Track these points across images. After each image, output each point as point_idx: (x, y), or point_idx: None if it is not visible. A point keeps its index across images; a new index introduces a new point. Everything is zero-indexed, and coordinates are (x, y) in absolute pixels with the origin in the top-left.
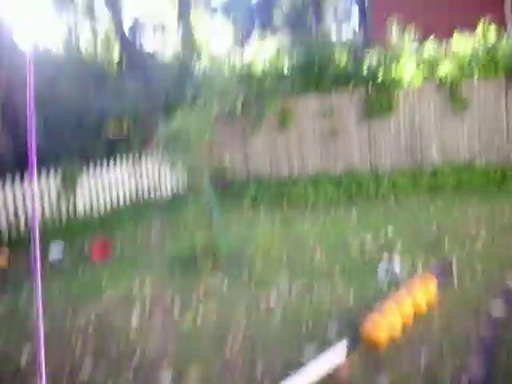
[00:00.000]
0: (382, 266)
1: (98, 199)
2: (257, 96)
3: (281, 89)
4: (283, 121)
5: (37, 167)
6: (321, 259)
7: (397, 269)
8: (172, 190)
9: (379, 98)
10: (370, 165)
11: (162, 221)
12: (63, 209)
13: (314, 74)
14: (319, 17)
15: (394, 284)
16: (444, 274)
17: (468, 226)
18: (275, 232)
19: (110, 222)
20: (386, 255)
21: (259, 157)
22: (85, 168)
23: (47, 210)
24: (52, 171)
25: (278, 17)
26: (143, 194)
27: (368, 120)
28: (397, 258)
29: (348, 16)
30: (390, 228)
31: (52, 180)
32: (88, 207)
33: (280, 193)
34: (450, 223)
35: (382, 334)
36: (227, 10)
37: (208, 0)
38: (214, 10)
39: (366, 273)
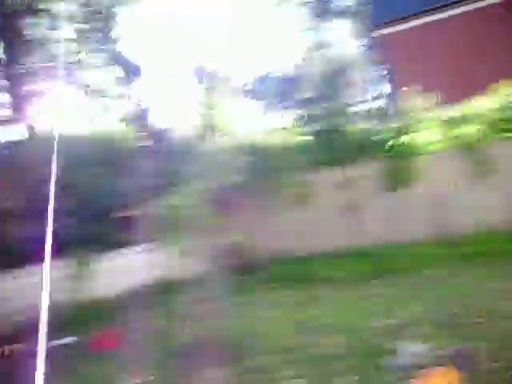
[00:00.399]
0: (393, 360)
1: (111, 285)
2: (273, 170)
3: (299, 163)
4: (302, 195)
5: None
6: (329, 348)
7: (408, 361)
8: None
9: (400, 167)
10: (392, 237)
11: (169, 309)
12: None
13: (334, 145)
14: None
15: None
16: (467, 363)
17: (499, 303)
18: (287, 317)
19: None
20: (399, 345)
21: (278, 233)
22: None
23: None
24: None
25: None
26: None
27: (389, 191)
28: (412, 347)
29: (372, 84)
30: (413, 308)
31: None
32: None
33: (299, 271)
34: (478, 299)
35: None
36: (254, 93)
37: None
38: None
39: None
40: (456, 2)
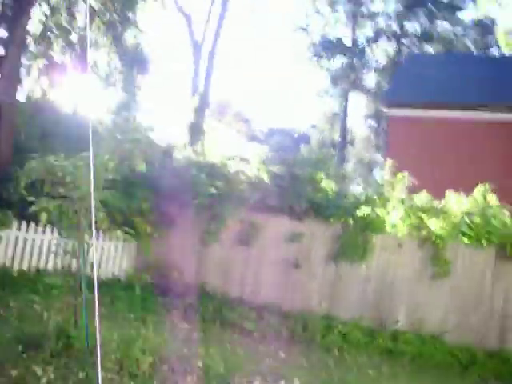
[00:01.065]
0: None
1: None
2: (223, 198)
3: (250, 199)
4: (247, 236)
5: None
6: None
7: None
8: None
9: (355, 238)
10: (327, 309)
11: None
12: None
13: (293, 194)
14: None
15: None
16: None
17: None
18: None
19: None
20: None
21: (211, 268)
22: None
23: None
24: None
25: None
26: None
27: (338, 259)
28: None
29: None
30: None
31: None
32: None
33: (217, 312)
34: None
35: None
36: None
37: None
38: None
39: None
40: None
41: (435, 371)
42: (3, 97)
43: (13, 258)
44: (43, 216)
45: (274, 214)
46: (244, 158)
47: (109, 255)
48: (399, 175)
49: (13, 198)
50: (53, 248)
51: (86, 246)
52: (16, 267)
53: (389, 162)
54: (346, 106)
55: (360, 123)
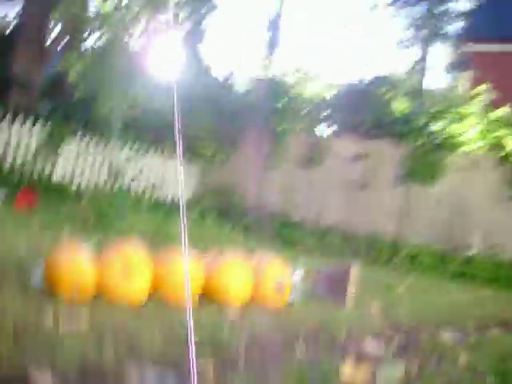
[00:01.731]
0: None
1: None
2: (286, 116)
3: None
4: (310, 158)
5: None
6: None
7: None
8: None
9: (427, 157)
10: (394, 232)
11: None
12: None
13: (360, 111)
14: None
15: None
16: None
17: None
18: None
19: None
20: None
21: (274, 193)
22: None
23: None
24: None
25: None
26: None
27: (407, 180)
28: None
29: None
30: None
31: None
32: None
33: (279, 232)
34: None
35: None
36: None
37: None
38: None
39: None
40: None
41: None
42: None
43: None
44: None
45: (340, 133)
46: (311, 74)
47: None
48: (479, 88)
49: None
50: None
51: None
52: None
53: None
54: (425, 56)
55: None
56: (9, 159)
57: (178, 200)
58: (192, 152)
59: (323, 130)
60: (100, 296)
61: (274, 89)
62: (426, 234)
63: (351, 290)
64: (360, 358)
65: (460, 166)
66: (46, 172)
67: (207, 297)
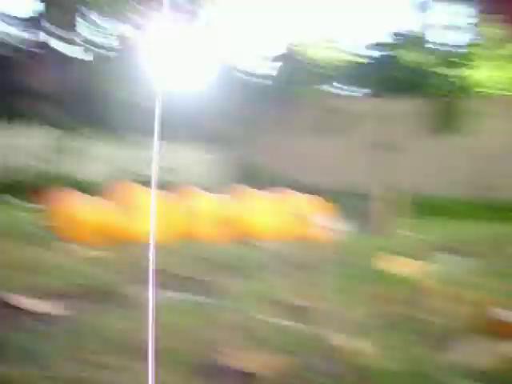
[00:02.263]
0: None
1: None
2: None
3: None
4: (333, 123)
5: None
6: None
7: None
8: None
9: (450, 107)
10: (421, 188)
11: None
12: None
13: (377, 70)
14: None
15: None
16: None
17: None
18: None
19: None
20: None
21: (303, 165)
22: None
23: None
24: None
25: None
26: None
27: (432, 134)
28: None
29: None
30: None
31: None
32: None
33: None
34: None
35: None
36: None
37: None
38: None
39: None
40: None
41: None
42: None
43: None
44: None
45: (357, 95)
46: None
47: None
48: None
49: None
50: None
51: None
52: None
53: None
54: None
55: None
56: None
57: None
58: (212, 136)
59: (344, 93)
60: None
61: (293, 56)
62: (455, 187)
63: (385, 215)
64: None
65: (489, 112)
66: (64, 172)
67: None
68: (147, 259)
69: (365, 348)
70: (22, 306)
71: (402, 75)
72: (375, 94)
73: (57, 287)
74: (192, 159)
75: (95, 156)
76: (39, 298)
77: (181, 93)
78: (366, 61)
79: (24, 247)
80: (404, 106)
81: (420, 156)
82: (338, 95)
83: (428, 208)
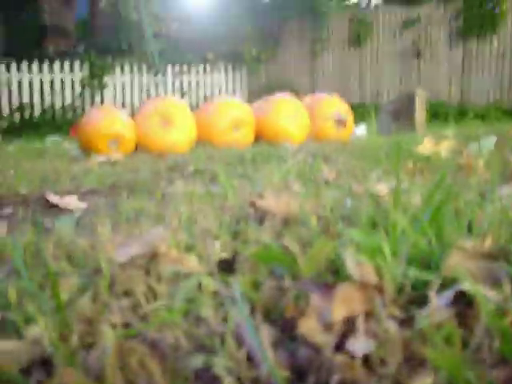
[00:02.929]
0: None
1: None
2: None
3: None
4: (358, 35)
5: None
6: None
7: None
8: None
9: (481, 8)
10: (457, 96)
11: None
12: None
13: None
14: None
15: None
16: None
17: None
18: None
19: None
20: None
21: (326, 79)
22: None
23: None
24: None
25: None
26: None
27: (464, 40)
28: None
29: None
30: None
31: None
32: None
33: None
34: None
35: None
36: None
37: None
38: None
39: None
40: None
41: None
42: None
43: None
44: None
45: (383, 3)
46: None
47: (220, 88)
48: None
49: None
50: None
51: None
52: None
53: None
54: None
55: None
56: (59, 101)
57: None
58: (237, 56)
59: (367, 2)
60: (141, 149)
61: None
62: (492, 93)
63: (420, 115)
64: None
65: None
66: (97, 105)
67: (264, 138)
68: (174, 161)
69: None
70: (59, 204)
71: None
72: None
73: (89, 187)
74: (217, 78)
75: (125, 84)
76: (75, 196)
77: (198, 14)
78: None
79: (65, 163)
80: (430, 11)
81: (451, 62)
82: (359, 5)
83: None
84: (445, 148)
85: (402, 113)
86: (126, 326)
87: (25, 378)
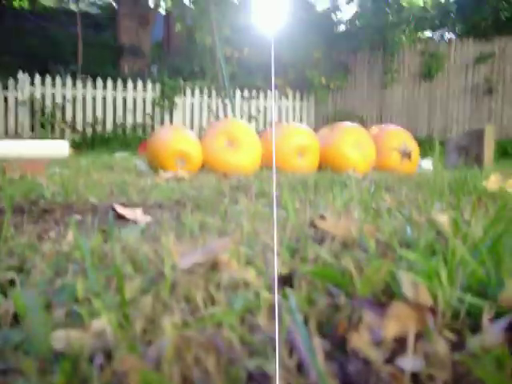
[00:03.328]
0: None
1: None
2: (391, 27)
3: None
4: (429, 68)
5: None
6: None
7: None
8: None
9: None
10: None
11: None
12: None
13: (479, 11)
14: None
15: None
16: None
17: None
18: None
19: None
20: None
21: (395, 111)
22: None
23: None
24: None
25: None
26: None
27: None
28: None
29: None
30: None
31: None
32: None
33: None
34: None
35: None
36: None
37: None
38: None
39: None
40: None
41: None
42: None
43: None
44: None
45: (458, 36)
46: None
47: (287, 115)
48: None
49: None
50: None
51: None
52: None
53: None
54: None
55: None
56: (130, 119)
57: None
58: (306, 83)
59: (440, 36)
60: (207, 168)
61: (381, 0)
62: None
63: (488, 151)
64: None
65: None
66: (166, 124)
67: (328, 166)
68: (238, 181)
69: None
70: (125, 214)
71: (503, 13)
72: (473, 36)
73: (155, 201)
74: (285, 104)
75: (194, 105)
76: (140, 208)
77: (270, 40)
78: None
79: (133, 177)
80: (506, 47)
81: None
82: (432, 39)
83: None
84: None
85: (470, 148)
86: (185, 325)
87: (89, 364)
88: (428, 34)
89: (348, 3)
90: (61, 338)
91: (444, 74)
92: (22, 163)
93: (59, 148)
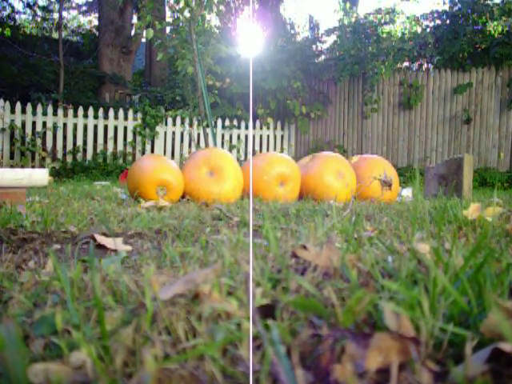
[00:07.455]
0: None
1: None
2: (373, 57)
3: (404, 55)
4: (408, 98)
5: None
6: None
7: None
8: None
9: None
10: (510, 164)
11: None
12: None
13: (456, 43)
14: None
15: None
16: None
17: None
18: None
19: None
20: None
21: (375, 140)
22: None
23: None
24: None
25: None
26: None
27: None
28: None
29: None
30: None
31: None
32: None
33: None
34: None
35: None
36: None
37: None
38: None
39: None
40: None
41: None
42: None
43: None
44: None
45: (435, 67)
46: (395, 11)
47: (268, 144)
48: None
49: None
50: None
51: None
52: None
53: None
54: None
55: None
56: (110, 147)
57: None
58: (286, 113)
59: (417, 67)
60: (188, 197)
61: (360, 32)
62: None
63: (467, 180)
64: None
65: None
66: (147, 152)
67: (309, 195)
68: (219, 211)
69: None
70: (105, 244)
71: (480, 44)
72: (450, 66)
73: (135, 230)
74: (266, 135)
75: (175, 134)
76: (121, 238)
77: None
78: (439, 32)
79: (113, 205)
80: (483, 79)
81: (502, 129)
82: (410, 69)
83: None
84: (491, 214)
85: (449, 177)
86: (166, 358)
87: None
88: (406, 64)
89: (328, 35)
90: (39, 372)
91: (423, 104)
92: (1, 192)
93: (38, 176)
